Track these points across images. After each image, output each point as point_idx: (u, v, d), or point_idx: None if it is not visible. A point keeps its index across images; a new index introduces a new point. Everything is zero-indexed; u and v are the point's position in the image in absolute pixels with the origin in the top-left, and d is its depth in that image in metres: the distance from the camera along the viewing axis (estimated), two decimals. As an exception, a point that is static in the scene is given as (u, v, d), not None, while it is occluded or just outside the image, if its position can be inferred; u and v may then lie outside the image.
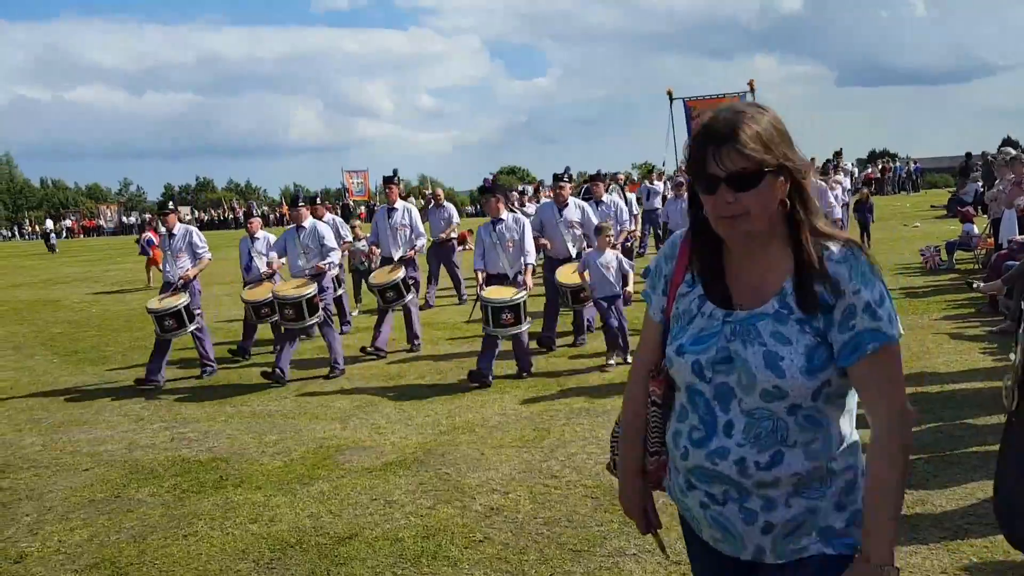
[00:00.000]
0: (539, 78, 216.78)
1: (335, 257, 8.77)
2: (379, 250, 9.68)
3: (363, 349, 9.05)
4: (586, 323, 9.09)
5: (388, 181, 9.90)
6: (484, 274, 7.94)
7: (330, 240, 8.72)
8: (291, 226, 8.85)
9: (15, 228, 63.66)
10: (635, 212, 11.23)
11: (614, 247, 8.35)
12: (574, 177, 9.11)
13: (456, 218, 12.87)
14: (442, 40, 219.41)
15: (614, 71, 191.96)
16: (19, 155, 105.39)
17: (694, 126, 27.77)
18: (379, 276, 9.19)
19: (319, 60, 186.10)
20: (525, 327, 7.52)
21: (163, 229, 9.21)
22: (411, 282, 9.20)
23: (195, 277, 8.73)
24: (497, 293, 7.57)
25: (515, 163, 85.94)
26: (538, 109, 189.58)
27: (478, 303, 7.87)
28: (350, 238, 11.53)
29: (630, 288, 7.78)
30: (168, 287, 8.66)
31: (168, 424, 6.90)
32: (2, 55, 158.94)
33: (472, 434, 5.99)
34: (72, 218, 62.77)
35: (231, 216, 52.38)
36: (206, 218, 54.06)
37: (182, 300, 8.34)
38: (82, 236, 55.73)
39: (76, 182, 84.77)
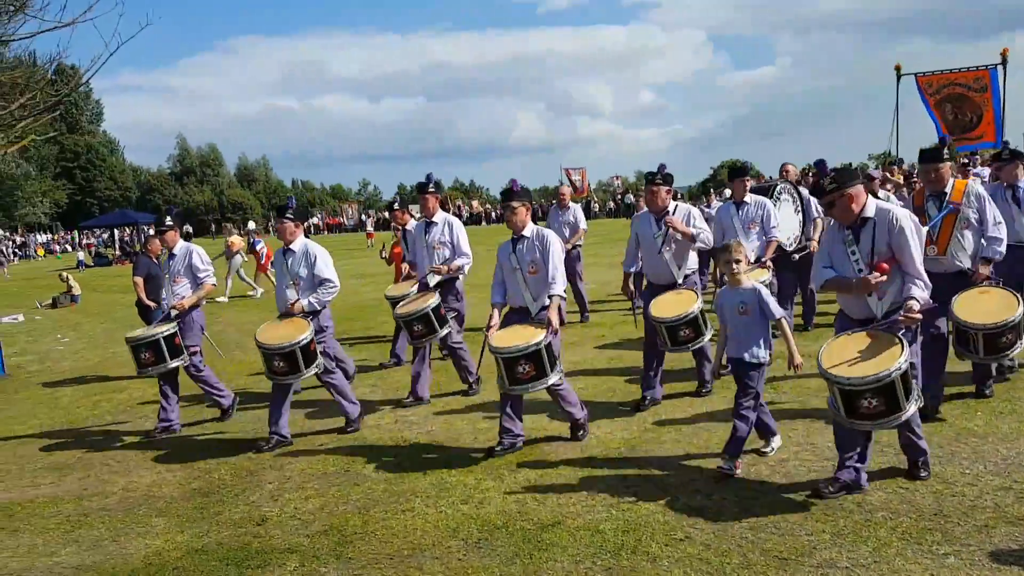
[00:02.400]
0: (766, 67, 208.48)
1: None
2: (416, 272, 8.12)
3: (400, 403, 7.44)
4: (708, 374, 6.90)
5: (422, 189, 7.70)
6: (499, 310, 6.12)
7: (325, 271, 6.65)
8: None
9: (271, 224, 70.56)
10: (816, 215, 8.74)
11: (762, 266, 7.25)
12: (672, 177, 6.75)
13: (583, 223, 11.41)
14: (663, 34, 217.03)
15: (847, 58, 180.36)
16: (273, 159, 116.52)
17: (929, 102, 24.38)
18: (406, 305, 7.49)
19: (541, 61, 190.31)
20: (553, 379, 5.63)
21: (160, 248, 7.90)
22: (448, 313, 7.38)
23: (193, 307, 7.32)
24: (511, 337, 5.70)
25: (737, 157, 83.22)
26: (763, 101, 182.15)
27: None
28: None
29: (794, 355, 4.95)
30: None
31: (393, 407, 7.40)
32: (258, 68, 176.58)
33: (678, 433, 5.92)
34: (318, 216, 68.73)
35: (453, 214, 55.28)
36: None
37: (162, 330, 7.03)
38: (326, 232, 60.86)
39: (322, 183, 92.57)
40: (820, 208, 11.30)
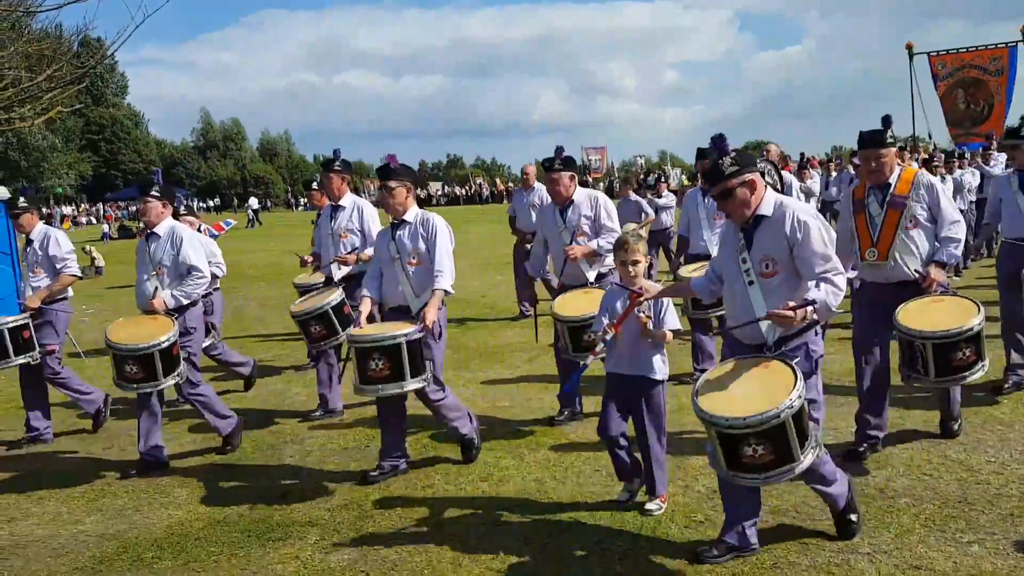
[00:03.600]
0: (792, 47, 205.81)
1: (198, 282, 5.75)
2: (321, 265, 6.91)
3: (308, 416, 6.57)
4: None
5: (327, 167, 6.64)
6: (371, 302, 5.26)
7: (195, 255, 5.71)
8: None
9: (293, 200, 70.77)
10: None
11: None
12: (574, 161, 5.97)
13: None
14: (688, 13, 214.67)
15: (876, 39, 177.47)
16: (295, 134, 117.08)
17: (939, 88, 22.91)
18: (302, 302, 6.54)
19: (565, 39, 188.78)
20: (414, 384, 4.84)
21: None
22: (350, 313, 6.06)
23: (53, 300, 6.44)
24: (375, 329, 4.96)
25: (762, 138, 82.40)
26: (789, 82, 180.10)
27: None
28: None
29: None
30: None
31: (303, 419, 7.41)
32: (283, 43, 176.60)
33: (699, 415, 5.88)
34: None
35: (474, 191, 55.49)
36: (457, 193, 57.38)
37: (6, 321, 6.11)
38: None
39: (344, 159, 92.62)
40: (801, 190, 10.39)
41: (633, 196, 11.70)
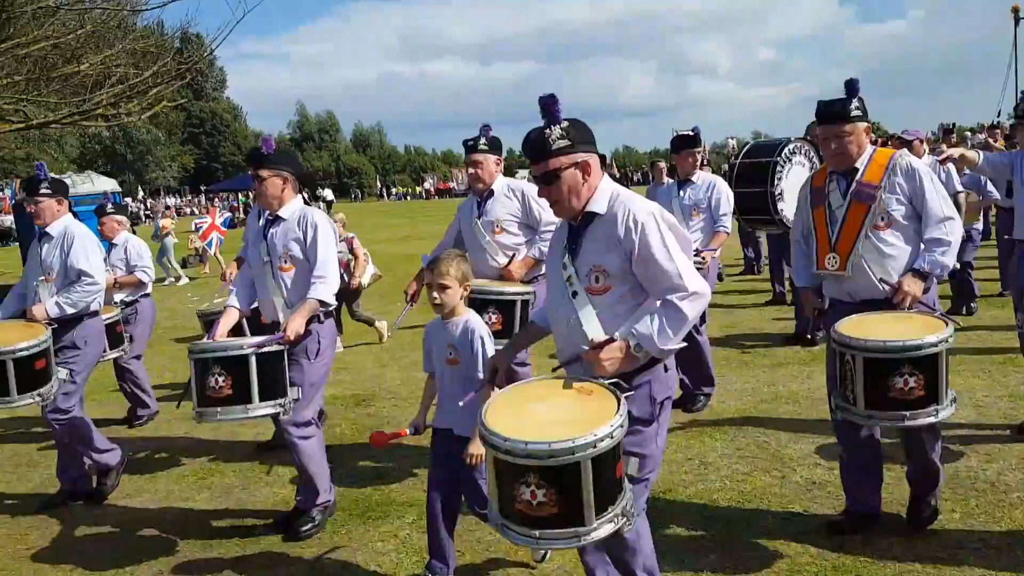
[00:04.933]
0: (896, 20, 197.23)
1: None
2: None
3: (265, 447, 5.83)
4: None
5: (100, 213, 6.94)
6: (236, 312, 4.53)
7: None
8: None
9: (384, 189, 72.08)
10: None
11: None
12: (500, 142, 4.96)
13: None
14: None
15: (988, 10, 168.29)
16: (387, 125, 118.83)
17: None
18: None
19: (656, 18, 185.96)
20: (263, 410, 4.07)
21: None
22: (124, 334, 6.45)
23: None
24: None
25: (861, 118, 79.18)
26: (892, 57, 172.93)
27: None
28: None
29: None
30: None
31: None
32: (374, 33, 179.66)
33: (796, 404, 5.76)
34: (429, 180, 69.86)
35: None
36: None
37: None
38: (436, 197, 61.81)
39: (433, 148, 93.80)
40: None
41: (669, 180, 10.99)
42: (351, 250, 8.71)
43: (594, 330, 2.74)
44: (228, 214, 22.09)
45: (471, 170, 4.89)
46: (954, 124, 17.26)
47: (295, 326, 4.08)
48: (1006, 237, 7.72)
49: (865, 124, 3.73)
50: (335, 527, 4.39)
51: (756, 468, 4.67)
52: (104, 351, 5.72)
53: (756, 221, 8.13)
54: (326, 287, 4.21)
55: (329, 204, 44.95)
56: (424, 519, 3.71)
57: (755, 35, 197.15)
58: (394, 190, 71.14)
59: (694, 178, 6.19)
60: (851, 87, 3.70)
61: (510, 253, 4.80)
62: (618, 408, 2.45)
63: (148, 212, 53.34)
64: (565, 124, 2.75)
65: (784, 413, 5.58)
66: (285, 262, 4.30)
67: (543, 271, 4.61)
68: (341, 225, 8.69)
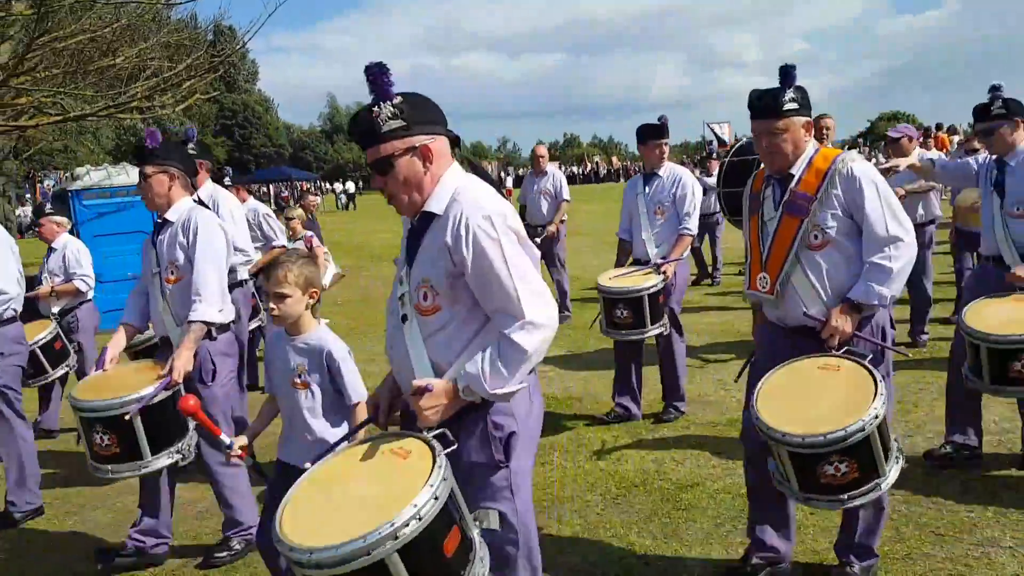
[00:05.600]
0: (931, 11, 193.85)
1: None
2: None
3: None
4: None
5: None
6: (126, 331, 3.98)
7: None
8: None
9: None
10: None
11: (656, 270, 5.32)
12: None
13: (567, 192, 9.11)
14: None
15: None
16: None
17: None
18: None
19: (686, 11, 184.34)
20: (156, 463, 3.57)
21: None
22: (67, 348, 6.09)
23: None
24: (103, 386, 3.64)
25: (895, 108, 78.20)
26: (928, 48, 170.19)
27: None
28: (281, 240, 7.24)
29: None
30: None
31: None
32: (404, 26, 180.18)
33: (826, 399, 5.71)
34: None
35: (590, 170, 55.60)
36: (573, 171, 57.42)
37: None
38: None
39: (462, 140, 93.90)
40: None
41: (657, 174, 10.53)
42: (310, 250, 8.40)
43: (421, 368, 2.29)
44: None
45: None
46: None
47: (180, 364, 3.59)
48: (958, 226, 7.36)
49: (805, 119, 3.19)
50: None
51: (785, 463, 4.64)
52: (47, 372, 5.84)
53: (742, 222, 7.60)
54: (207, 307, 3.71)
55: (351, 196, 45.20)
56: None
57: (786, 26, 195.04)
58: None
59: (660, 171, 5.61)
60: (785, 74, 3.16)
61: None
62: (431, 472, 1.97)
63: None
64: (398, 100, 2.27)
65: (814, 408, 5.53)
66: (171, 273, 3.81)
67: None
68: (300, 223, 8.46)
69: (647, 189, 5.61)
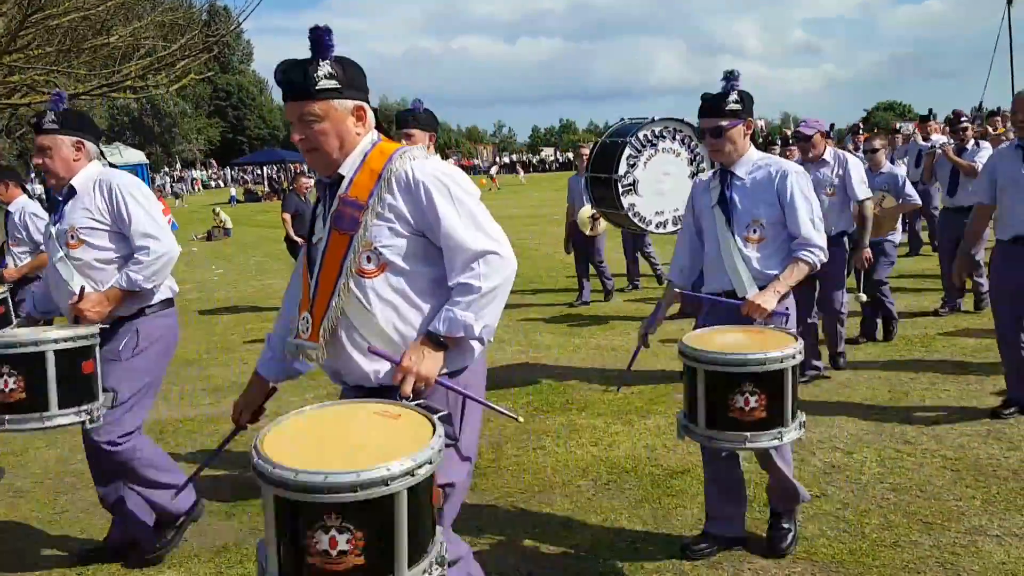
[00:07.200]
0: (932, 1, 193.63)
1: None
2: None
3: None
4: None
5: None
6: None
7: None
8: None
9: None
10: None
11: None
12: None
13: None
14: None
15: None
16: (412, 100, 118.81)
17: None
18: None
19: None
20: None
21: None
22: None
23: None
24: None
25: (896, 99, 78.18)
26: (929, 38, 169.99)
27: None
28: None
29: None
30: None
31: (524, 348, 7.52)
32: (402, 8, 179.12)
33: (817, 388, 5.74)
34: (454, 157, 69.83)
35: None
36: (571, 159, 57.37)
37: None
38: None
39: (458, 124, 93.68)
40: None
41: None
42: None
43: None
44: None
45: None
46: (989, 107, 16.56)
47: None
48: (947, 239, 7.27)
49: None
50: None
51: (775, 450, 4.67)
52: None
53: (608, 214, 6.66)
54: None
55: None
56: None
57: (787, 14, 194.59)
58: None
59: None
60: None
61: None
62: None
63: (174, 185, 53.51)
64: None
65: (805, 396, 5.54)
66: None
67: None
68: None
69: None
